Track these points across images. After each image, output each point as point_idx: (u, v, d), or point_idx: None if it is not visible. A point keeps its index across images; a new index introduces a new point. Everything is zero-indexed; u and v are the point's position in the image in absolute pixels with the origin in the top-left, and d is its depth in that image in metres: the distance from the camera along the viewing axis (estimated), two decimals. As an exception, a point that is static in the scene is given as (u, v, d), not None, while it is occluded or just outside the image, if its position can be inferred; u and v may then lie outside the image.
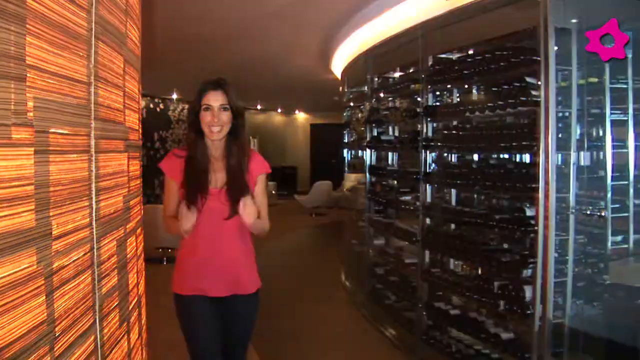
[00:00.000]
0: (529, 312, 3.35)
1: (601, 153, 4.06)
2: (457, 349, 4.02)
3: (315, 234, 12.17)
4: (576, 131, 3.60)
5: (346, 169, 7.35)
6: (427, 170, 4.50)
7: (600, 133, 4.08)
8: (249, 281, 2.75)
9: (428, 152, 4.51)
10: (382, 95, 5.80)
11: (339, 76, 7.91)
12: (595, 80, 4.14)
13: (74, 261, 1.23)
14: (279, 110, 19.10)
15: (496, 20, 3.80)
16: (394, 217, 5.42)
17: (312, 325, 5.43)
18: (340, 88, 7.58)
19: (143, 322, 1.99)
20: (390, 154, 5.78)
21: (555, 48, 3.38)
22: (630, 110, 4.03)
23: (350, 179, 7.53)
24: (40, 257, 1.07)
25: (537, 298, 3.32)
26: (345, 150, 7.32)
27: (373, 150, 5.82)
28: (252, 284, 2.77)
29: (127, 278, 1.68)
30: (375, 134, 5.69)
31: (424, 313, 4.42)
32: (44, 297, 1.09)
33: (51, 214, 1.12)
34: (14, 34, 0.98)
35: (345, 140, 7.16)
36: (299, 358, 4.67)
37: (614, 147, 4.00)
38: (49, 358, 1.11)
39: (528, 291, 3.40)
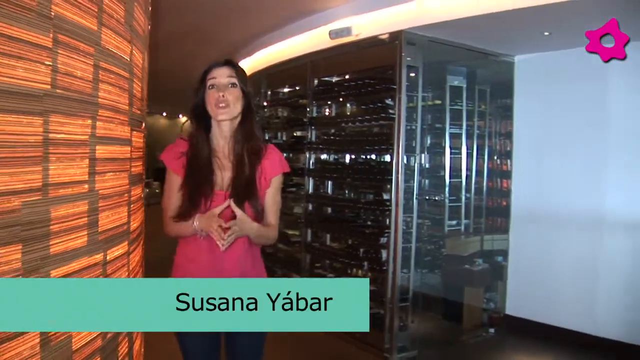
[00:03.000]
0: (384, 268, 4.64)
1: (442, 158, 5.46)
2: (332, 304, 5.22)
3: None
4: (422, 140, 4.90)
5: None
6: (310, 167, 5.71)
7: (442, 143, 5.47)
8: None
9: (311, 153, 5.73)
10: (273, 106, 6.95)
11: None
12: (439, 102, 5.54)
13: (138, 192, 2.28)
14: (164, 114, 19.79)
15: (368, 55, 5.07)
16: (283, 206, 6.59)
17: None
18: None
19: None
20: (279, 155, 6.92)
21: (415, 76, 4.68)
22: (464, 126, 5.46)
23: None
24: (128, 181, 2.10)
25: (390, 258, 4.61)
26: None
27: (264, 152, 6.94)
28: None
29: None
30: (267, 138, 6.85)
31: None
32: (126, 207, 2.13)
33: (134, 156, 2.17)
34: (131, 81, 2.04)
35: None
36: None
37: (451, 153, 5.41)
38: (127, 243, 2.15)
39: (384, 254, 4.69)
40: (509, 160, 5.56)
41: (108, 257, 1.61)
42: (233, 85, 2.25)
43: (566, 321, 4.94)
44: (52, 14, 1.26)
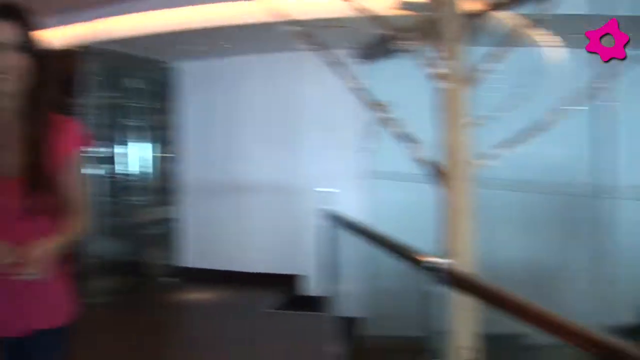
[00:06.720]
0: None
1: (125, 147, 6.49)
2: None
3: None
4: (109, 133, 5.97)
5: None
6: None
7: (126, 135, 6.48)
8: (51, 308, 1.76)
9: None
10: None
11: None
12: (122, 101, 6.58)
13: None
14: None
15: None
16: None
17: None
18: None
19: None
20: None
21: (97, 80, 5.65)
22: (145, 121, 6.58)
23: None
24: None
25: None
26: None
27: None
28: (57, 313, 1.77)
29: None
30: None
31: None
32: None
33: None
34: None
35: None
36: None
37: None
38: None
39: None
40: (180, 148, 6.75)
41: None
42: (12, 47, 1.59)
43: (228, 264, 6.41)
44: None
